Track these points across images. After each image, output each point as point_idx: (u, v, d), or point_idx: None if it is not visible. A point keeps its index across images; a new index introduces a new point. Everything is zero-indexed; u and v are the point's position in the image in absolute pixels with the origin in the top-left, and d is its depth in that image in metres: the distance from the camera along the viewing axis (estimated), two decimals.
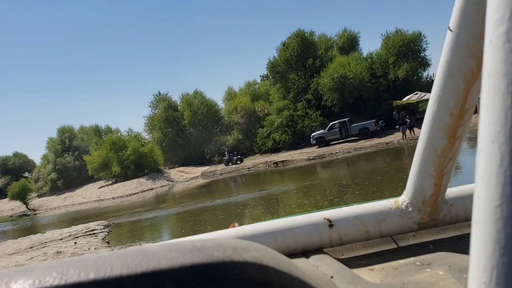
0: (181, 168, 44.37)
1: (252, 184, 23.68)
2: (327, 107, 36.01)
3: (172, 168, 46.25)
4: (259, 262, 0.39)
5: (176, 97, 62.84)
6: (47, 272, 0.35)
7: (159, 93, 49.80)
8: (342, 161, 24.46)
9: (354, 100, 34.83)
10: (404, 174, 16.19)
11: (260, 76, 51.62)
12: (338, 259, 0.94)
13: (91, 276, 0.35)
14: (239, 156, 37.79)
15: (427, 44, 36.14)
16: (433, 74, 37.38)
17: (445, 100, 0.82)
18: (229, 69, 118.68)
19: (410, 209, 0.99)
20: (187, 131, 47.70)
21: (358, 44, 41.40)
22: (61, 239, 14.05)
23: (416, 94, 31.61)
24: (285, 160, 31.32)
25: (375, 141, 29.13)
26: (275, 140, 39.10)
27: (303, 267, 0.84)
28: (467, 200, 1.01)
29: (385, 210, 0.99)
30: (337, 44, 41.52)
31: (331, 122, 33.64)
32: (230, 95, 50.96)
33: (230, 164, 36.80)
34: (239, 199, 17.38)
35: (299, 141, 38.09)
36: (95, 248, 11.31)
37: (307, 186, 16.83)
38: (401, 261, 0.93)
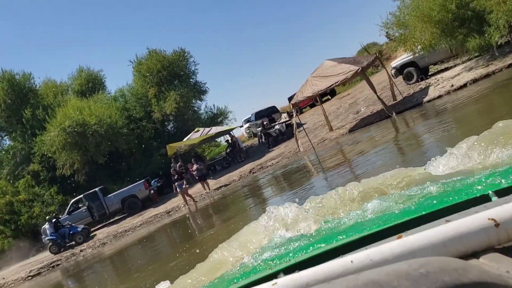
0: None
1: None
2: (67, 178, 22.21)
3: None
4: (484, 281, 0.37)
5: None
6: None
7: None
8: (100, 265, 11.39)
9: (107, 159, 22.20)
10: None
11: None
12: None
13: None
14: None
15: (196, 65, 26.43)
16: (214, 105, 28.15)
17: None
18: None
19: None
20: None
21: (104, 86, 29.59)
22: None
23: (198, 131, 21.42)
24: None
25: (150, 212, 17.03)
26: None
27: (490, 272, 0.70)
28: None
29: None
30: (73, 89, 28.67)
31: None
32: None
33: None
34: None
35: (31, 243, 22.71)
36: None
37: None
38: None
